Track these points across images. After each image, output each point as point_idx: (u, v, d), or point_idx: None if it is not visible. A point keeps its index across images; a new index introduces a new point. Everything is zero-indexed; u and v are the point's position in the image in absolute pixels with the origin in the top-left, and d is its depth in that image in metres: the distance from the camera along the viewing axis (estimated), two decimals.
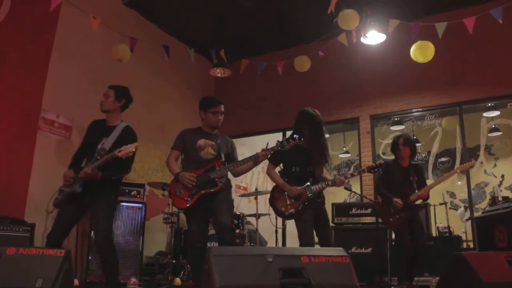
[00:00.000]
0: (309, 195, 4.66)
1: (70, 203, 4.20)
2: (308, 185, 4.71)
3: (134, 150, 4.03)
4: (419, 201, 5.41)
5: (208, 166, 4.50)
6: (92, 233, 5.83)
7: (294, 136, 4.49)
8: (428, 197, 5.39)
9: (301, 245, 4.55)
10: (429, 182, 5.80)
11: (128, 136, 4.36)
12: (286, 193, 4.77)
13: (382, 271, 6.02)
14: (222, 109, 4.71)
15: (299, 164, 4.82)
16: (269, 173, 4.96)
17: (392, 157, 5.72)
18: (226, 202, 4.47)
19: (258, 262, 2.84)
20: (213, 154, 4.59)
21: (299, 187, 4.70)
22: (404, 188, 5.34)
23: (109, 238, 4.25)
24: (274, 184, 4.93)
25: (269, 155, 4.68)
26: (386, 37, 6.29)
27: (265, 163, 4.92)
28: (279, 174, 4.92)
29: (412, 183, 5.37)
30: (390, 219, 5.33)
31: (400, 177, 5.41)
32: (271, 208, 4.93)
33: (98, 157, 4.17)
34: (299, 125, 4.90)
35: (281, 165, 5.00)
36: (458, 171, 5.47)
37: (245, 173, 4.93)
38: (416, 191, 5.30)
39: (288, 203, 4.73)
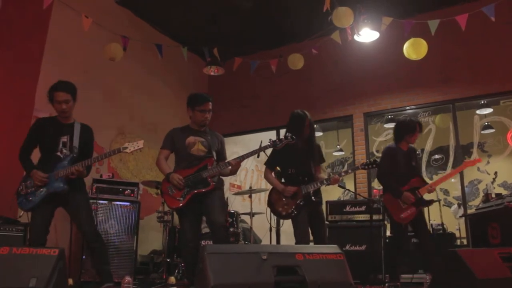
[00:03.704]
0: (304, 193, 4.74)
1: (47, 203, 4.20)
2: (303, 185, 4.78)
3: (142, 146, 4.30)
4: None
5: (200, 165, 4.47)
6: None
7: (287, 135, 4.54)
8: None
9: (296, 243, 4.64)
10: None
11: (89, 132, 4.55)
12: (281, 194, 4.87)
13: (376, 268, 6.03)
14: (210, 107, 4.61)
15: (294, 165, 4.89)
16: (265, 176, 5.07)
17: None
18: (219, 200, 4.46)
19: (252, 260, 2.85)
20: (204, 150, 4.56)
21: (293, 187, 4.78)
22: (408, 176, 5.10)
23: (96, 228, 4.50)
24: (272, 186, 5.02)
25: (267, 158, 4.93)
26: (379, 35, 6.29)
27: (260, 162, 4.95)
28: (275, 177, 5.03)
29: (414, 168, 5.19)
30: (402, 216, 5.00)
31: (404, 163, 5.18)
32: (267, 208, 5.03)
33: (74, 155, 4.28)
34: (290, 126, 4.93)
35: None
36: (468, 165, 5.23)
37: (231, 175, 4.82)
38: (420, 179, 5.10)
39: (284, 203, 4.82)
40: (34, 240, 4.11)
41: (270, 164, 5.05)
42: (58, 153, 4.29)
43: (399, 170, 5.15)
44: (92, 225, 4.39)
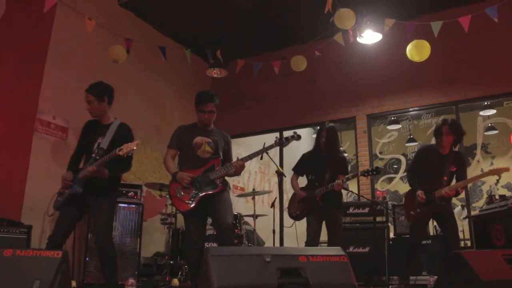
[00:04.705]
0: (310, 198, 5.13)
1: (70, 205, 4.21)
2: (313, 190, 5.16)
3: (134, 148, 3.99)
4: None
5: (207, 165, 4.42)
6: (90, 235, 5.93)
7: (293, 134, 4.53)
8: (456, 195, 5.01)
9: (306, 243, 5.02)
10: None
11: (125, 133, 4.40)
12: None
13: (380, 270, 6.02)
14: (211, 108, 4.49)
15: (314, 172, 5.26)
16: (291, 180, 5.41)
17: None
18: (226, 202, 4.41)
19: (256, 262, 2.84)
20: (210, 152, 4.49)
21: (304, 192, 5.22)
22: (434, 178, 5.00)
23: (109, 236, 4.30)
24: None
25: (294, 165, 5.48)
26: (382, 37, 6.29)
27: (263, 164, 4.99)
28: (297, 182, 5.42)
29: (444, 173, 4.97)
30: (411, 212, 5.09)
31: (434, 165, 5.05)
32: (270, 209, 5.36)
33: (97, 157, 4.17)
34: (316, 136, 5.36)
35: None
36: (492, 174, 4.90)
37: (235, 175, 4.78)
38: (444, 185, 4.94)
39: (296, 206, 5.31)
40: (52, 239, 4.11)
41: (296, 170, 5.44)
42: (93, 155, 4.27)
43: (426, 169, 5.13)
44: (106, 234, 4.23)
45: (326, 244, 5.37)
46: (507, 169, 4.87)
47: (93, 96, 4.39)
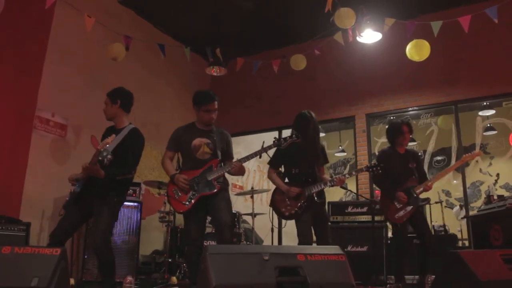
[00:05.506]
0: (307, 195, 4.72)
1: (74, 205, 4.20)
2: (307, 186, 4.76)
3: (109, 141, 4.05)
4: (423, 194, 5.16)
5: (205, 166, 4.42)
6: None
7: (292, 134, 4.51)
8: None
9: (299, 244, 4.63)
10: None
11: (132, 137, 4.37)
12: (285, 194, 4.84)
13: (378, 269, 6.03)
14: (216, 107, 4.50)
15: (298, 166, 4.87)
16: (269, 176, 5.06)
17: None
18: (225, 200, 4.42)
19: (254, 261, 2.84)
20: (209, 153, 4.47)
21: (297, 188, 4.76)
22: (404, 177, 5.14)
23: (106, 240, 4.17)
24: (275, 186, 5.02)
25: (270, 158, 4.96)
26: (381, 36, 6.29)
27: (262, 162, 4.93)
28: (278, 177, 5.00)
29: (412, 170, 5.19)
30: (396, 216, 5.05)
31: (399, 165, 5.19)
32: (269, 208, 5.02)
33: (100, 158, 4.09)
34: (296, 127, 4.90)
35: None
36: (467, 159, 5.28)
37: (236, 175, 4.78)
38: (415, 179, 5.15)
39: (287, 204, 4.80)
40: (52, 235, 4.10)
41: (274, 164, 5.03)
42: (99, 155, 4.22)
43: (394, 172, 5.17)
44: (103, 239, 4.10)
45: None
46: (478, 154, 5.50)
47: (108, 97, 4.48)
